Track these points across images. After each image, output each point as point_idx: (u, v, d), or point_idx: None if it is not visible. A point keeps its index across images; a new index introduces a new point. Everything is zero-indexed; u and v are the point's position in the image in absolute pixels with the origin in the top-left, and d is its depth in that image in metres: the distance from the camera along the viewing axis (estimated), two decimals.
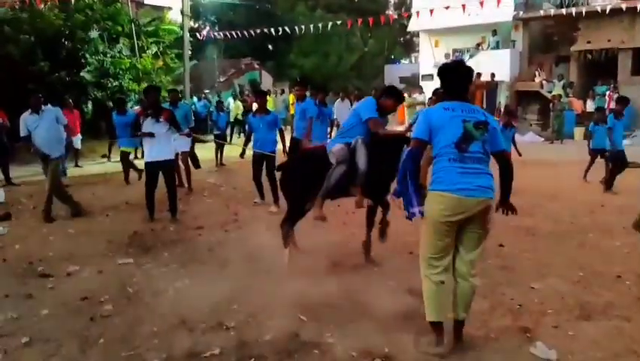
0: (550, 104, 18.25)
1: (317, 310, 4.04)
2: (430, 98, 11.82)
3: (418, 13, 19.44)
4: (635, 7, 18.25)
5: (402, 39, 45.44)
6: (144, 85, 17.62)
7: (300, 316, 3.94)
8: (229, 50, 30.94)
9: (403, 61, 45.68)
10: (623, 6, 18.56)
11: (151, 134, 6.90)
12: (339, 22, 20.85)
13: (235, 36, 21.99)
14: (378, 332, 3.65)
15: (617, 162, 8.99)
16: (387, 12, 45.55)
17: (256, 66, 30.27)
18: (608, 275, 4.83)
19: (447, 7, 17.65)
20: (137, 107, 13.80)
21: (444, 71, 3.48)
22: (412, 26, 24.89)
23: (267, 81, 29.95)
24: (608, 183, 8.98)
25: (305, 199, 5.05)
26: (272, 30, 20.83)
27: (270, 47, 33.96)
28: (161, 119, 6.92)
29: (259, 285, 4.58)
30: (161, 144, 7.00)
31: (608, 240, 6.02)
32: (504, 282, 4.68)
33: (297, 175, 5.15)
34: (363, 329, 3.72)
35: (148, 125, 6.94)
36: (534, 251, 5.65)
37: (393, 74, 39.24)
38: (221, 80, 27.62)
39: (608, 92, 18.90)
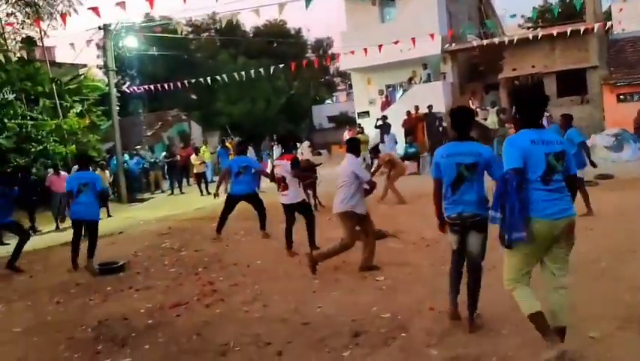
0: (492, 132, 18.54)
1: None
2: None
3: (353, 52, 19.28)
4: (552, 34, 19.30)
5: (322, 80, 46.02)
6: (71, 147, 16.30)
7: None
8: (153, 102, 29.82)
9: (327, 101, 46.21)
10: (542, 33, 19.79)
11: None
12: (261, 69, 20.31)
13: (158, 89, 20.99)
14: None
15: None
16: (306, 55, 46.25)
17: (183, 117, 29.30)
18: None
19: (380, 46, 17.64)
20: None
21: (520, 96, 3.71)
22: (343, 65, 24.71)
23: (196, 131, 29.03)
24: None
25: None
26: (195, 80, 20.18)
27: (193, 96, 33.15)
28: None
29: None
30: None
31: None
32: None
33: None
34: None
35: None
36: None
37: (321, 113, 39.50)
38: (149, 134, 26.40)
39: None
